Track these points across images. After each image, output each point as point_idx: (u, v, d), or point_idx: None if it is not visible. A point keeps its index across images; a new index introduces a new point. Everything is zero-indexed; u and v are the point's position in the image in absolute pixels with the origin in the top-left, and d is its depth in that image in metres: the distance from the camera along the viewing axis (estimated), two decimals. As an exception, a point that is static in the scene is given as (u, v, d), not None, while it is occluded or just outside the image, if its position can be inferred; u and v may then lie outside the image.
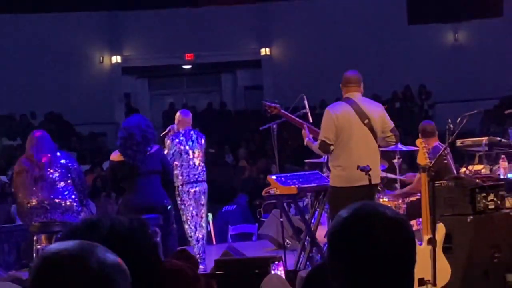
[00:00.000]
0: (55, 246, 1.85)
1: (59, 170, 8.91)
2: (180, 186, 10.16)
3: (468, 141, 9.73)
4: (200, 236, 10.29)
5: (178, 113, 10.76)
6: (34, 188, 8.88)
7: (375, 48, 24.74)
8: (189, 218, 10.20)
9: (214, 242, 14.23)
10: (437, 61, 25.03)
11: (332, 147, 8.14)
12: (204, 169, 10.37)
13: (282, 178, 9.29)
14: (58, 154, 9.09)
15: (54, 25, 24.36)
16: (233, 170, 19.99)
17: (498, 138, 9.42)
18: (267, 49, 26.08)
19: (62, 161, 8.98)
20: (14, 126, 22.87)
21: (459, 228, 7.86)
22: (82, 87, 24.77)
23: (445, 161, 9.45)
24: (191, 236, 10.24)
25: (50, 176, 8.87)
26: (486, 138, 9.65)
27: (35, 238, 9.02)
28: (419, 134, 10.07)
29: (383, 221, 2.21)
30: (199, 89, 27.92)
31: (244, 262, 8.34)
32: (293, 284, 7.14)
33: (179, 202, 10.24)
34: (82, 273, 1.78)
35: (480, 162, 9.53)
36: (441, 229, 7.57)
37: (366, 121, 8.15)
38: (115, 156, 8.79)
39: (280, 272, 7.99)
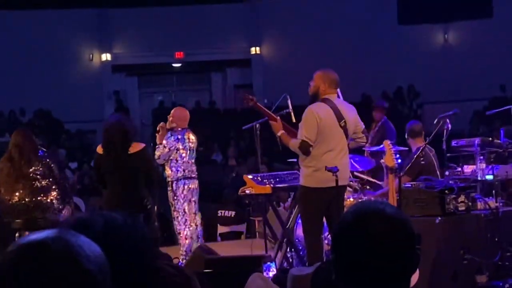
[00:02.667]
0: (33, 235, 1.75)
1: (41, 168, 8.91)
2: (175, 182, 10.15)
3: (462, 141, 9.77)
4: (188, 233, 10.25)
5: (178, 110, 10.65)
6: (16, 185, 8.89)
7: (365, 47, 24.77)
8: (180, 214, 10.17)
9: (203, 241, 14.20)
10: (427, 62, 25.07)
11: (311, 148, 8.14)
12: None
13: (258, 178, 9.34)
14: (40, 152, 9.08)
15: (44, 22, 24.31)
16: (222, 169, 19.98)
17: (490, 138, 9.44)
18: (257, 48, 26.10)
19: (43, 160, 8.99)
20: (2, 123, 22.80)
21: (427, 230, 7.85)
22: (72, 84, 24.72)
23: (422, 162, 9.48)
24: (179, 233, 10.21)
25: (32, 173, 8.88)
26: (479, 138, 9.69)
27: (17, 235, 9.03)
28: (405, 134, 10.11)
29: (382, 219, 2.23)
30: (189, 87, 27.91)
31: (234, 261, 8.34)
32: (282, 282, 7.14)
33: (172, 197, 10.20)
34: (63, 262, 1.71)
35: (473, 162, 9.59)
36: None
37: (342, 123, 8.16)
38: (101, 149, 8.80)
39: (272, 271, 8.02)
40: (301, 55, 24.66)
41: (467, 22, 25.05)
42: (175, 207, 10.18)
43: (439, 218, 7.90)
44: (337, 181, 7.85)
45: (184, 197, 10.15)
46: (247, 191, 9.27)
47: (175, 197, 10.16)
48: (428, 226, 7.85)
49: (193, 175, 10.25)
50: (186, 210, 10.17)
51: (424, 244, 8.31)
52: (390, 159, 7.99)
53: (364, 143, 8.56)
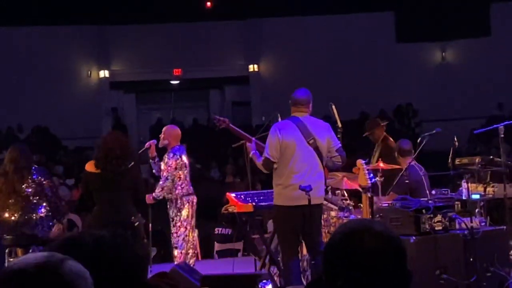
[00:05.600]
0: (21, 259, 1.80)
1: (33, 185, 8.94)
2: (179, 199, 10.16)
3: (465, 159, 9.79)
4: (185, 249, 10.27)
5: (172, 128, 10.68)
6: (7, 201, 8.92)
7: (363, 65, 24.81)
8: (182, 229, 10.16)
9: (200, 258, 14.19)
10: (425, 80, 25.12)
11: (275, 165, 8.14)
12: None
13: (242, 196, 9.37)
14: (33, 169, 9.11)
15: (43, 39, 24.34)
16: (220, 186, 19.94)
17: (491, 157, 9.44)
18: (255, 66, 26.13)
19: (36, 176, 9.01)
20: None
21: None
22: (70, 101, 24.73)
23: (407, 181, 9.48)
24: (176, 247, 10.21)
25: (24, 190, 8.91)
26: (479, 157, 9.71)
27: (7, 251, 9.05)
28: (395, 153, 10.12)
29: (371, 235, 2.24)
30: (187, 104, 27.93)
31: (230, 279, 8.31)
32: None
33: (176, 213, 10.18)
34: (49, 284, 1.72)
35: (477, 181, 9.59)
36: None
37: (311, 140, 8.11)
38: (91, 167, 8.82)
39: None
40: (299, 73, 24.69)
41: (465, 40, 25.12)
42: (175, 223, 10.17)
43: (414, 238, 7.87)
44: (309, 200, 7.79)
45: (187, 213, 10.16)
46: (230, 209, 9.33)
47: (179, 213, 10.15)
48: None
49: (192, 191, 10.30)
50: (188, 226, 10.19)
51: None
52: (363, 178, 7.98)
53: (340, 163, 8.35)
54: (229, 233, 14.75)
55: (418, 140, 9.38)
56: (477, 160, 9.47)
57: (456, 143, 9.24)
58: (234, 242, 14.48)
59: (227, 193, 9.78)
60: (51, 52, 24.29)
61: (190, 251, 10.27)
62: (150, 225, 10.68)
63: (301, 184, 7.82)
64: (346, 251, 2.23)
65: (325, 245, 2.33)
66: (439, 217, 8.03)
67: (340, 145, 8.30)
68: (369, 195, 8.09)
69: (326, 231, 9.08)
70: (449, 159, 9.40)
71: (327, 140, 8.20)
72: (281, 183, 8.14)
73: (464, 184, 9.04)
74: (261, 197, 9.38)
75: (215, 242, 14.65)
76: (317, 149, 8.12)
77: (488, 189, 9.47)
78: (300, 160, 8.07)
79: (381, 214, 8.24)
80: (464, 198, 8.95)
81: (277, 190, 8.21)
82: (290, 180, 8.02)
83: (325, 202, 9.28)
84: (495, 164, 9.40)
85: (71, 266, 1.77)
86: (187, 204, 10.14)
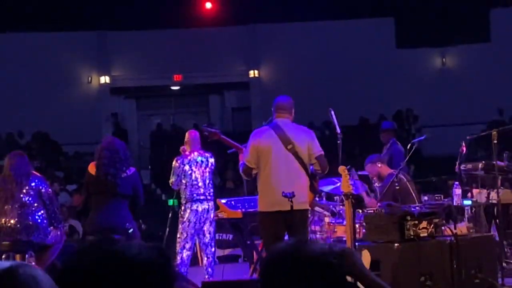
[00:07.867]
0: None
1: (30, 192, 8.98)
2: (184, 204, 10.20)
3: (469, 165, 9.81)
4: (184, 256, 10.28)
5: (187, 133, 10.92)
6: (4, 208, 8.96)
7: (363, 71, 24.81)
8: (185, 235, 10.18)
9: (200, 264, 14.18)
10: (425, 85, 25.11)
11: (254, 171, 8.16)
12: (211, 188, 10.43)
13: (232, 202, 9.41)
14: (31, 177, 9.15)
15: (43, 44, 24.34)
16: (220, 192, 19.93)
17: (494, 162, 9.45)
18: (256, 71, 26.13)
19: (33, 184, 9.05)
20: (0, 145, 22.75)
21: (386, 256, 7.84)
22: (70, 107, 24.73)
23: (397, 187, 9.49)
24: (176, 252, 10.26)
25: (21, 197, 8.95)
26: (483, 162, 9.73)
27: (4, 256, 9.08)
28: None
29: (306, 260, 2.26)
30: (187, 110, 27.92)
31: (230, 285, 8.32)
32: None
33: (180, 219, 10.25)
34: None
35: (480, 186, 9.62)
36: (366, 256, 7.58)
37: (289, 146, 8.10)
38: (92, 168, 8.83)
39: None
40: (299, 78, 24.69)
41: (465, 46, 25.13)
42: (182, 230, 10.23)
43: (397, 244, 7.86)
44: (291, 206, 7.75)
45: (192, 219, 10.17)
46: (220, 215, 9.36)
47: (183, 220, 10.22)
48: (387, 252, 7.84)
49: (207, 197, 10.25)
50: (188, 233, 10.21)
51: (383, 270, 8.22)
52: (346, 185, 7.96)
53: (319, 171, 8.22)
54: (230, 239, 14.76)
55: (408, 146, 9.42)
56: (480, 166, 9.48)
57: (464, 148, 9.23)
58: (224, 248, 14.49)
59: (217, 200, 9.79)
60: (51, 58, 24.30)
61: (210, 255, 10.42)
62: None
63: (283, 191, 7.79)
64: (276, 273, 2.28)
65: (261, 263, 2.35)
66: (424, 224, 8.03)
67: (321, 152, 8.20)
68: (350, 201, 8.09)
69: (322, 237, 9.09)
70: (457, 164, 9.40)
71: (308, 146, 8.16)
72: (260, 189, 8.17)
73: (455, 190, 9.04)
74: (252, 203, 9.38)
75: (216, 248, 14.64)
76: (296, 155, 8.10)
77: (492, 194, 9.46)
78: (277, 166, 8.07)
79: (366, 221, 8.27)
80: (454, 204, 8.95)
81: (259, 196, 8.24)
82: (267, 186, 8.02)
83: (318, 209, 9.29)
84: (498, 169, 9.41)
85: (26, 270, 1.79)
86: (188, 211, 10.21)
